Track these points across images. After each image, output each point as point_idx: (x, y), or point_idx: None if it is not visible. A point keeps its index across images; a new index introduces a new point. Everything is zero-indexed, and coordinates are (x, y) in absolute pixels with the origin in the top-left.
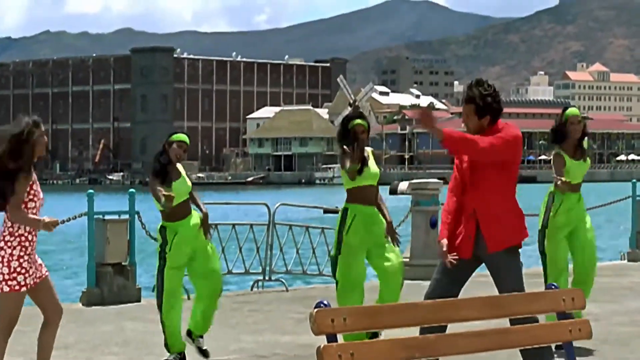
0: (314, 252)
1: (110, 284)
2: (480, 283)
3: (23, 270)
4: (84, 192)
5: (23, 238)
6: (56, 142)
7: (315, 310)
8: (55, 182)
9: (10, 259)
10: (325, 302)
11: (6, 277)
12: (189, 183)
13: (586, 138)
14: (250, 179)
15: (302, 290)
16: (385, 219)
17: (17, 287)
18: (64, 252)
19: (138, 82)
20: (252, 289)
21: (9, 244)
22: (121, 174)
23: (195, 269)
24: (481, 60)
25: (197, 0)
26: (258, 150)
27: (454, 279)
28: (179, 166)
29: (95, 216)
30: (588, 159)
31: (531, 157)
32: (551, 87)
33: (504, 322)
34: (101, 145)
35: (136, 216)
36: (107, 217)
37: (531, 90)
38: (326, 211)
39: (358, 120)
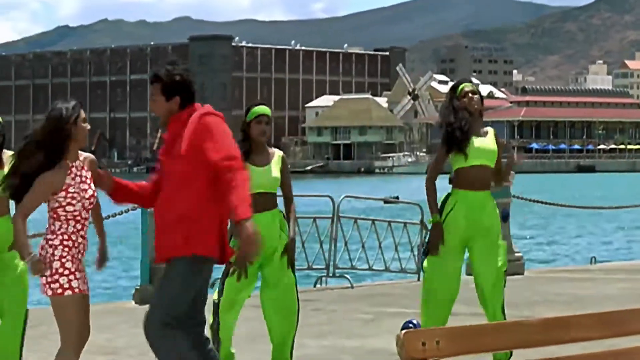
0: (380, 247)
1: None
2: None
3: (67, 272)
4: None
5: (66, 237)
6: (114, 130)
7: (403, 332)
8: (112, 170)
9: (52, 258)
10: (414, 322)
11: (49, 279)
12: (275, 174)
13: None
14: (309, 167)
15: (367, 288)
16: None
17: (59, 291)
18: (115, 246)
19: (196, 70)
20: (314, 286)
21: (49, 242)
22: None
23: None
24: (539, 49)
25: None
26: (317, 139)
27: None
28: (274, 152)
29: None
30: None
31: (590, 147)
32: (610, 76)
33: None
34: (159, 134)
35: None
36: None
37: (590, 79)
38: (386, 202)
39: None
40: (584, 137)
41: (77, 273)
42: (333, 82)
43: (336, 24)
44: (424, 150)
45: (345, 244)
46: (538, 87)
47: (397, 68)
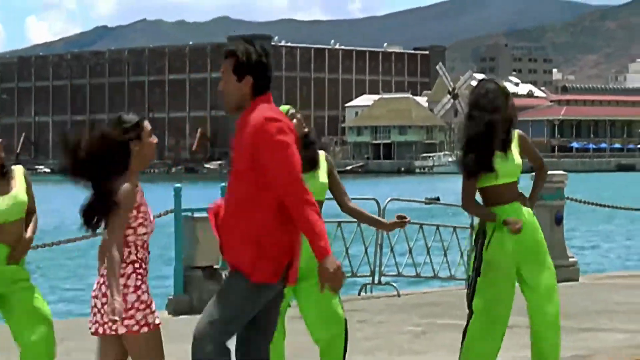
0: (428, 252)
1: (200, 290)
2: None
3: (143, 306)
4: (181, 181)
5: (137, 265)
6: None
7: None
8: (152, 171)
9: (127, 290)
10: None
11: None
12: (323, 180)
13: None
14: (349, 167)
15: (415, 296)
16: None
17: (135, 328)
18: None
19: None
20: (359, 294)
21: (121, 272)
22: (218, 162)
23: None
24: (578, 47)
25: None
26: (357, 139)
27: None
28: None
29: (184, 213)
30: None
31: (631, 146)
32: None
33: None
34: (198, 134)
35: None
36: (196, 214)
37: (630, 78)
38: (428, 202)
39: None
40: (625, 135)
41: (152, 305)
42: (372, 82)
43: (375, 23)
44: None
45: (391, 249)
46: (578, 85)
47: (437, 67)
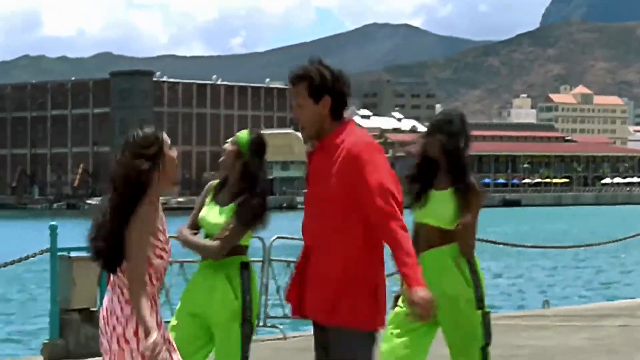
0: None
1: (76, 334)
2: None
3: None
4: (62, 218)
5: (152, 302)
6: (35, 166)
7: None
8: (33, 206)
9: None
10: None
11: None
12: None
13: None
14: None
15: (303, 339)
16: None
17: None
18: (22, 294)
19: (117, 105)
20: None
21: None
22: (100, 198)
23: None
24: (462, 83)
25: (173, 24)
26: None
27: None
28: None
29: (60, 253)
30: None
31: (515, 181)
32: (534, 109)
33: None
34: (80, 170)
35: None
36: (73, 253)
37: (514, 113)
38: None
39: None
40: (509, 171)
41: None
42: (255, 117)
43: (257, 59)
44: None
45: (277, 290)
46: None
47: None
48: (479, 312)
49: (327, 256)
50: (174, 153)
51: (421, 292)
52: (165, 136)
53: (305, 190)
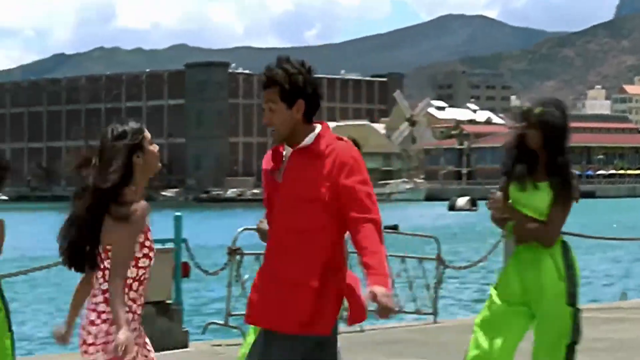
0: (393, 284)
1: (151, 327)
2: None
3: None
4: None
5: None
6: None
7: None
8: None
9: (108, 338)
10: None
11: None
12: None
13: None
14: None
15: (379, 332)
16: None
17: None
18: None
19: (192, 97)
20: None
21: (103, 315)
22: (175, 190)
23: None
24: (536, 74)
25: (248, 15)
26: None
27: None
28: None
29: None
30: None
31: (590, 172)
32: (608, 101)
33: None
34: None
35: (183, 245)
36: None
37: (588, 105)
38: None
39: None
40: (584, 162)
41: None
42: (330, 109)
43: (332, 51)
44: (422, 176)
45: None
46: None
47: (395, 94)
48: (570, 308)
49: (301, 261)
50: (155, 148)
51: (379, 289)
52: (146, 132)
53: (265, 185)
